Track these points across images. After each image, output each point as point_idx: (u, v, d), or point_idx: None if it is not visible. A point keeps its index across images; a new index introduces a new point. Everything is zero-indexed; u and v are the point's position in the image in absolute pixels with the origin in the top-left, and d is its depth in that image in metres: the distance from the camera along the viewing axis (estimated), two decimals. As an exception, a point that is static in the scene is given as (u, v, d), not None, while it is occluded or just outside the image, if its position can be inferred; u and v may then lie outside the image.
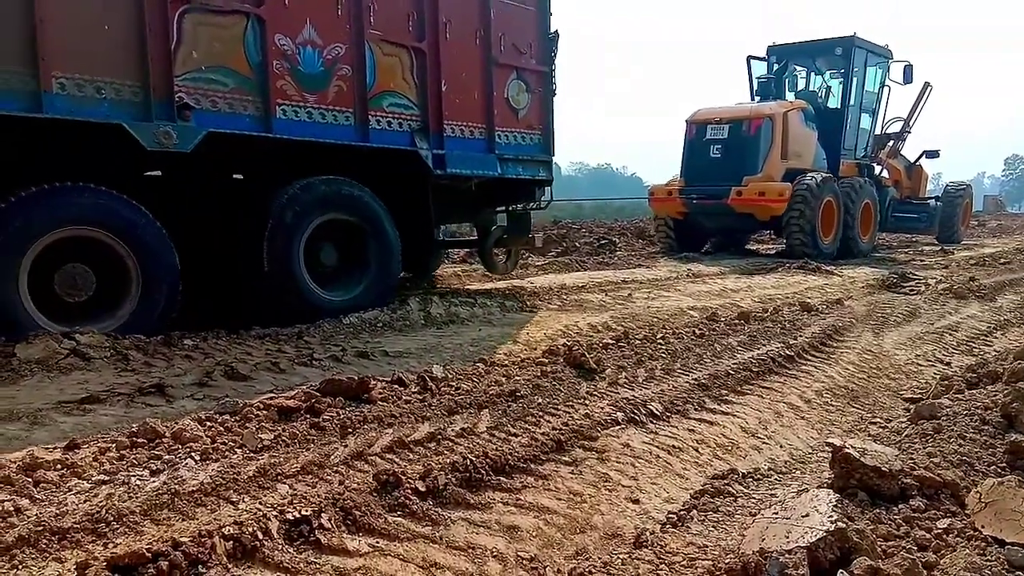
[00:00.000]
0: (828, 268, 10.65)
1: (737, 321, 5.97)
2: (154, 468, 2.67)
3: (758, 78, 14.30)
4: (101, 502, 2.37)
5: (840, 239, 13.00)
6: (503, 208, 8.38)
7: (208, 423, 3.14)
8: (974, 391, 3.61)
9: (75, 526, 2.21)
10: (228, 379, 4.14)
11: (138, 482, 2.55)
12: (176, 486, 2.50)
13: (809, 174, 12.58)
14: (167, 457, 2.77)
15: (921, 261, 12.54)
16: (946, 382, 4.07)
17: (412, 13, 6.48)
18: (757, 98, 14.10)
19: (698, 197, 12.88)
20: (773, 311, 6.47)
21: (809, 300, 7.10)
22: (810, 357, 5.02)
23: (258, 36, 5.52)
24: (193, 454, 2.80)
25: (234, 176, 6.44)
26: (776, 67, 14.30)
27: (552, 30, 7.70)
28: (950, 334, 6.04)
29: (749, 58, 14.51)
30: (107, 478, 2.60)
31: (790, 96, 14.26)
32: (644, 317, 6.54)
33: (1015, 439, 2.56)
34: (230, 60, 5.41)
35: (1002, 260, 11.88)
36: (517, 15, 7.34)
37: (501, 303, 7.00)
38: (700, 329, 5.61)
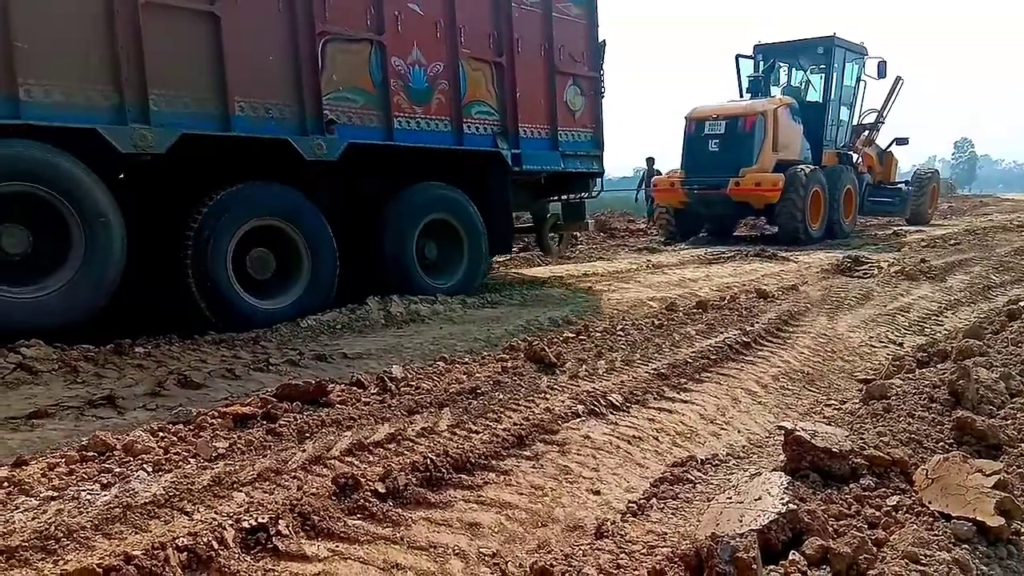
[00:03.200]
0: (784, 255, 10.83)
1: (695, 310, 6.04)
2: (105, 482, 2.61)
3: (748, 76, 15.13)
4: (50, 519, 2.32)
5: (825, 223, 13.90)
6: (556, 198, 9.38)
7: (161, 434, 3.08)
8: (924, 370, 3.70)
9: (23, 544, 2.15)
10: (181, 388, 4.06)
11: (88, 497, 2.49)
12: (128, 499, 2.45)
13: (800, 166, 13.49)
14: (118, 470, 2.71)
15: (874, 245, 12.85)
16: (897, 362, 4.16)
17: (492, 32, 7.54)
18: (747, 95, 14.95)
19: (699, 188, 13.69)
20: (730, 299, 6.55)
21: (765, 287, 7.20)
22: (766, 343, 5.09)
23: (380, 59, 6.54)
24: (145, 466, 2.74)
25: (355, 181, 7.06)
26: (763, 65, 15.07)
27: (600, 40, 8.63)
28: (902, 315, 6.18)
29: (738, 56, 15.26)
30: (56, 494, 2.53)
31: (775, 91, 15.00)
32: (604, 309, 6.59)
33: (961, 415, 2.62)
34: (360, 81, 6.44)
35: (952, 241, 12.20)
36: (572, 28, 8.34)
37: (462, 300, 6.99)
38: (659, 319, 5.66)
